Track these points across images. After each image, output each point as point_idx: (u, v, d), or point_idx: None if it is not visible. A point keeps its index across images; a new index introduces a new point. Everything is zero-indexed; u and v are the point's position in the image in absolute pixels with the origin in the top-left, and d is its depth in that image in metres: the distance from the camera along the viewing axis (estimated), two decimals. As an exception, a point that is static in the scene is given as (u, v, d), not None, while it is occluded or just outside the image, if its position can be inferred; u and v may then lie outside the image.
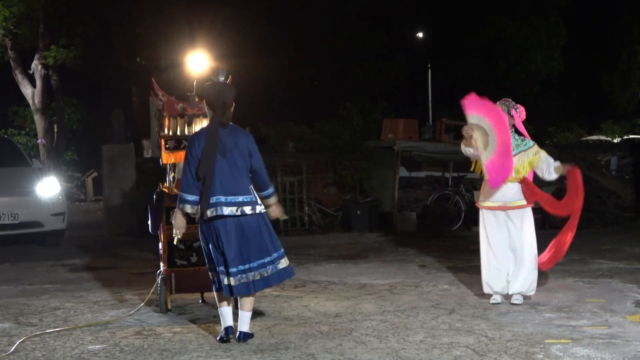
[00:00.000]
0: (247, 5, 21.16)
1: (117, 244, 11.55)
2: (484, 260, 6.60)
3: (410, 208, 13.28)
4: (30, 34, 19.16)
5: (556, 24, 22.88)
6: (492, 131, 6.34)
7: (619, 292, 6.91)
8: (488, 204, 6.56)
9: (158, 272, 6.41)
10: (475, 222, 12.47)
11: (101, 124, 22.44)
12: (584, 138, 21.40)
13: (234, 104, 5.41)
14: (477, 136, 6.41)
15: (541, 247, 6.64)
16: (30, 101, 20.55)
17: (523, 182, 6.48)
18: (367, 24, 24.10)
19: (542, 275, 7.73)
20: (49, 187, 11.09)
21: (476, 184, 13.13)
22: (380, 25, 24.35)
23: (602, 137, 21.01)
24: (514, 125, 6.58)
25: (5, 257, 10.02)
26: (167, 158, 6.35)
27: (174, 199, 6.27)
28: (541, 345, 5.12)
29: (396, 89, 24.65)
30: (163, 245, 6.28)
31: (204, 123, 6.43)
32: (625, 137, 20.76)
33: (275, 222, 12.73)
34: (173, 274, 6.28)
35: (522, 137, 6.58)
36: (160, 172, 9.86)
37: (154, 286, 6.46)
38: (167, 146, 6.36)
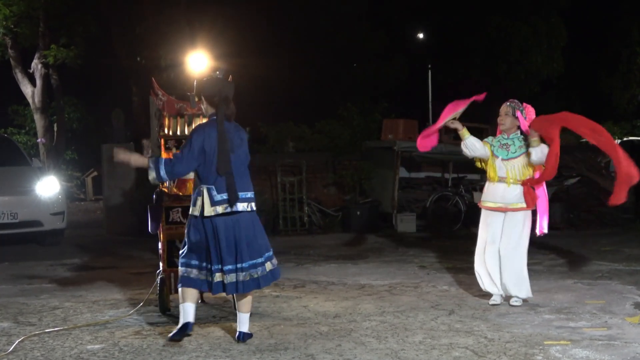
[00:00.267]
0: (247, 5, 21.15)
1: (117, 243, 11.55)
2: (477, 260, 6.60)
3: (410, 208, 13.28)
4: (30, 33, 19.19)
5: (556, 25, 22.89)
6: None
7: (618, 294, 6.91)
8: (489, 204, 6.57)
9: (157, 271, 6.41)
10: (475, 222, 12.56)
11: (101, 123, 22.48)
12: (584, 139, 21.36)
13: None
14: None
15: (538, 250, 6.63)
16: (30, 100, 20.58)
17: (525, 184, 6.46)
18: (367, 24, 24.10)
19: (542, 276, 7.75)
20: (48, 187, 11.09)
21: (476, 184, 13.15)
22: (380, 26, 24.36)
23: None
24: (519, 127, 6.57)
25: (5, 256, 10.02)
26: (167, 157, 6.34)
27: (173, 199, 6.29)
28: (540, 347, 5.12)
29: (396, 89, 24.67)
30: (162, 245, 6.28)
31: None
32: (625, 138, 20.76)
33: (275, 222, 12.89)
34: (172, 274, 6.27)
35: (526, 137, 6.54)
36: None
37: (154, 286, 6.46)
38: (167, 146, 6.36)
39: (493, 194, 6.54)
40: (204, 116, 6.50)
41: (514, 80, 22.70)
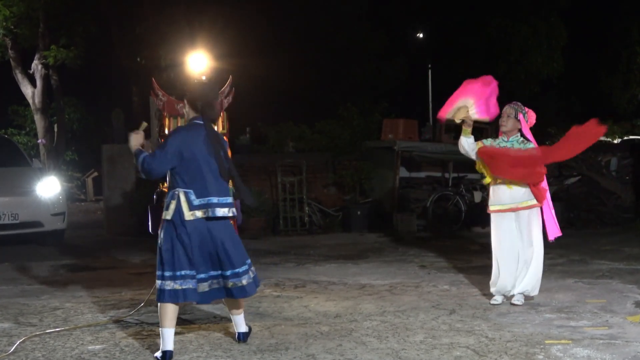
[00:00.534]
0: (247, 5, 21.14)
1: (117, 243, 11.55)
2: (495, 266, 6.58)
3: (410, 208, 13.28)
4: (30, 33, 19.19)
5: (556, 25, 22.88)
6: (472, 105, 6.52)
7: (619, 293, 6.91)
8: (498, 207, 6.54)
9: (158, 272, 6.40)
10: (475, 222, 12.57)
11: (101, 123, 22.48)
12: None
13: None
14: (461, 115, 6.59)
15: (547, 247, 6.65)
16: (30, 101, 20.58)
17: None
18: (368, 24, 24.10)
19: (542, 275, 7.73)
20: (49, 187, 11.10)
21: (476, 184, 13.15)
22: (380, 26, 24.35)
23: (602, 138, 20.99)
24: (520, 130, 6.58)
25: (6, 257, 10.02)
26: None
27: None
28: (541, 346, 5.12)
29: (396, 89, 24.65)
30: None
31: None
32: (625, 137, 20.75)
33: (276, 222, 12.89)
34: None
35: (524, 140, 6.56)
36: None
37: (154, 286, 6.44)
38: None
39: (500, 196, 6.53)
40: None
41: (514, 80, 22.69)
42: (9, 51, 19.73)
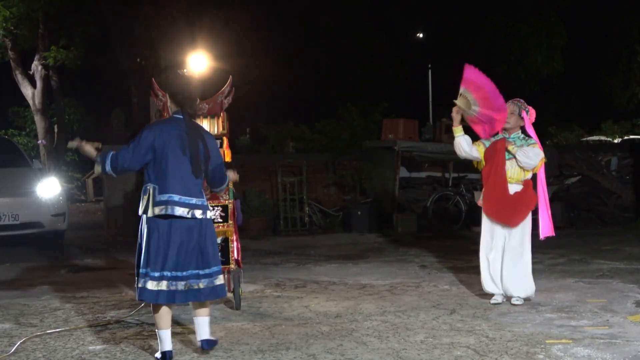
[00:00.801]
0: (247, 6, 21.16)
1: (118, 244, 11.54)
2: (482, 262, 6.60)
3: (410, 208, 13.29)
4: (30, 34, 19.19)
5: (556, 25, 22.91)
6: (475, 102, 6.47)
7: (619, 292, 6.91)
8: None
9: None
10: (476, 222, 12.55)
11: (101, 124, 22.48)
12: (584, 138, 21.42)
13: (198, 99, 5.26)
14: (459, 102, 6.49)
15: (538, 249, 6.63)
16: (30, 102, 20.58)
17: (525, 183, 6.46)
18: (368, 24, 24.11)
19: (542, 275, 7.74)
20: (49, 188, 11.09)
21: (476, 184, 13.15)
22: (380, 26, 24.36)
23: (603, 138, 21.02)
24: (522, 127, 6.57)
25: (6, 257, 10.02)
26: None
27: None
28: (542, 346, 5.12)
29: (396, 89, 24.66)
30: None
31: (204, 123, 6.43)
32: (625, 137, 20.78)
33: (276, 223, 12.89)
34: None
35: (526, 137, 6.54)
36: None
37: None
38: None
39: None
40: (205, 117, 6.53)
41: (514, 80, 22.71)
42: (9, 52, 19.74)
